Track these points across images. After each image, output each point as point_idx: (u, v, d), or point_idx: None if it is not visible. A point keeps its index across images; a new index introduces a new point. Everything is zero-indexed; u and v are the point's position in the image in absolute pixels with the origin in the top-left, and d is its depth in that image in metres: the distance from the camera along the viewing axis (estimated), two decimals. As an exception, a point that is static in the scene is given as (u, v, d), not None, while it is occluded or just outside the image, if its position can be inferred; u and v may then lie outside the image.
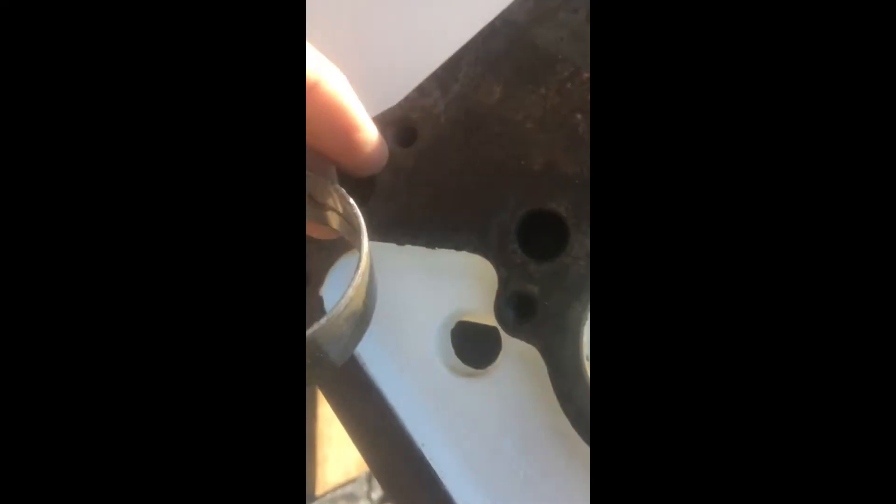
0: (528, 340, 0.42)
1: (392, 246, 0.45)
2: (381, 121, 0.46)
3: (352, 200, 0.39)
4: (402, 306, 0.47)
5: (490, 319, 0.44)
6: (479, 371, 0.47)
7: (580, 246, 0.41)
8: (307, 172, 0.40)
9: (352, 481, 1.68)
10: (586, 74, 0.42)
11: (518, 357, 0.45)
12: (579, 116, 0.42)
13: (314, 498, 1.54)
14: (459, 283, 0.46)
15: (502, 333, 0.44)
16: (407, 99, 0.46)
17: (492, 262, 0.43)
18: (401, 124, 0.46)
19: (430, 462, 0.45)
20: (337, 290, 0.46)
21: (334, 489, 1.62)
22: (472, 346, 0.48)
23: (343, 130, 0.40)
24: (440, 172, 0.45)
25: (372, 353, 0.47)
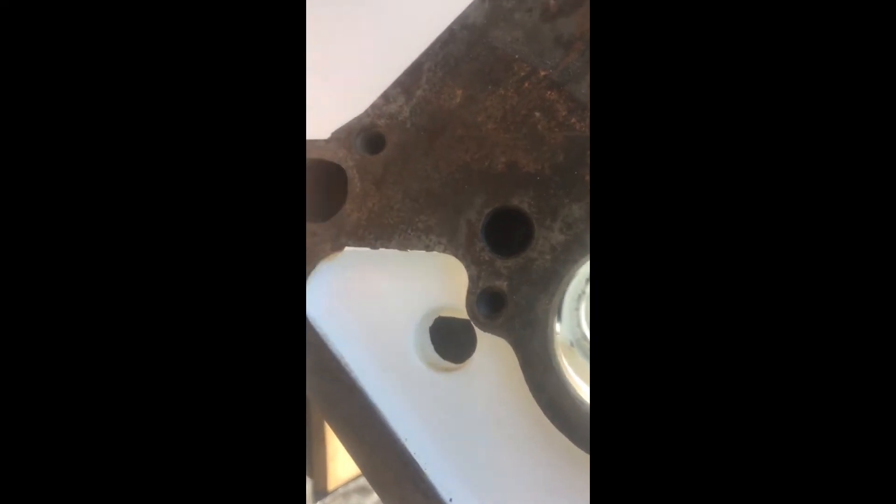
0: (499, 335, 0.43)
1: (366, 250, 0.47)
2: (349, 129, 0.47)
3: None
4: (381, 308, 0.49)
5: (465, 314, 0.45)
6: (458, 365, 0.48)
7: (544, 240, 0.43)
8: None
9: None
10: (543, 72, 0.44)
11: (494, 350, 0.46)
12: (538, 114, 0.44)
13: (326, 493, 1.56)
14: (434, 281, 0.48)
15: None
16: (373, 106, 0.47)
17: (461, 261, 0.44)
18: (368, 132, 0.47)
19: (414, 456, 0.47)
20: (319, 293, 0.48)
21: (346, 483, 1.65)
22: (450, 341, 0.49)
23: None
24: (408, 177, 0.46)
25: (353, 354, 0.48)
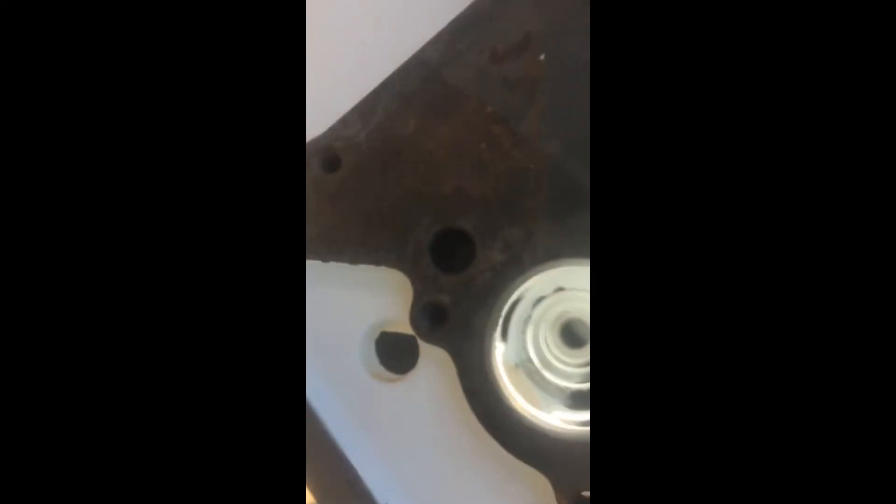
0: (440, 345, 0.46)
1: (318, 263, 0.49)
2: (308, 149, 0.50)
3: None
4: (328, 320, 0.51)
5: (409, 329, 0.48)
6: (401, 376, 0.51)
7: (485, 260, 0.46)
8: None
9: None
10: (489, 108, 0.48)
11: (435, 362, 0.49)
12: (483, 146, 0.48)
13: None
14: (380, 295, 0.51)
15: (420, 341, 0.48)
16: (331, 129, 0.50)
17: (407, 276, 0.47)
18: (326, 152, 0.50)
19: (356, 466, 0.48)
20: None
21: None
22: (394, 353, 0.52)
23: None
24: (362, 196, 0.49)
25: (300, 364, 0.50)
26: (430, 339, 0.46)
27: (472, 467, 0.46)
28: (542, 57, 0.48)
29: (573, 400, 0.72)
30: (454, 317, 0.46)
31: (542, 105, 0.47)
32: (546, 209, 0.46)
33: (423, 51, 0.50)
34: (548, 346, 0.85)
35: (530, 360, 0.74)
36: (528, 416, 0.45)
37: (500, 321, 0.63)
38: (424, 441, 0.47)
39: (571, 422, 0.60)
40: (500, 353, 0.63)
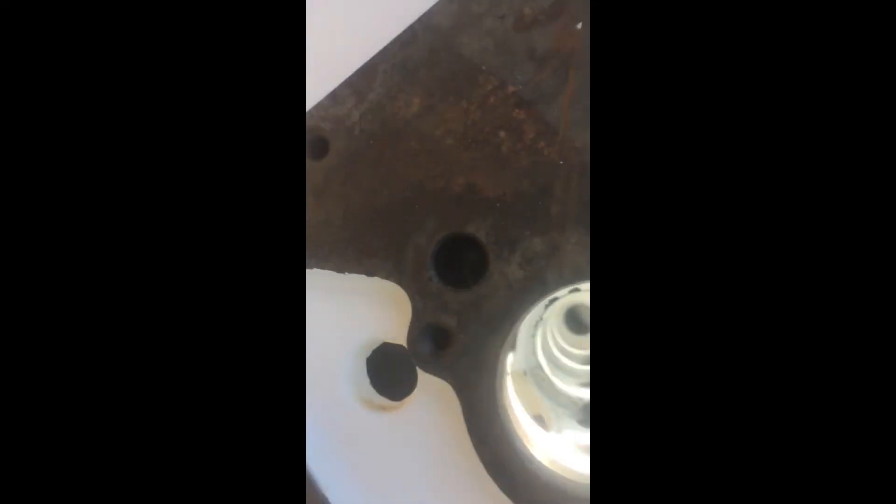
0: (441, 376, 0.39)
1: (299, 269, 0.41)
2: (290, 130, 0.41)
3: None
4: (311, 334, 0.43)
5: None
6: (395, 404, 0.43)
7: (500, 275, 0.38)
8: None
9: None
10: (512, 88, 0.39)
11: (435, 391, 0.42)
12: (502, 134, 0.39)
13: None
14: (374, 309, 0.43)
15: (418, 366, 0.41)
16: (318, 107, 0.42)
17: (406, 290, 0.39)
18: (311, 134, 0.42)
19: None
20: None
21: None
22: (389, 375, 0.44)
23: None
24: (352, 190, 0.41)
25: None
26: (430, 368, 0.39)
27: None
28: (580, 26, 0.39)
29: (585, 414, 0.66)
30: (460, 343, 0.38)
31: (576, 86, 0.38)
32: (576, 217, 0.37)
33: (431, 13, 0.41)
34: (554, 337, 0.79)
35: (539, 367, 0.67)
36: (546, 467, 0.38)
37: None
38: (417, 485, 0.40)
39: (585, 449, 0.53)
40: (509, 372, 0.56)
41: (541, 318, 0.66)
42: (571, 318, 0.83)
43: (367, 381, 0.44)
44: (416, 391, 0.42)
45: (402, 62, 0.41)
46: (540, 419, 0.64)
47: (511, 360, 0.58)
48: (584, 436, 0.59)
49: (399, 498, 0.41)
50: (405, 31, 0.41)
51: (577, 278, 0.37)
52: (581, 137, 0.38)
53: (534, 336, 0.65)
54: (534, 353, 0.65)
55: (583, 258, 0.37)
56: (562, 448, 0.50)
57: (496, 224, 0.38)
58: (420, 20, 0.41)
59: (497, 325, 0.38)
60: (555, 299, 0.67)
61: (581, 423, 0.62)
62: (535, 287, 0.38)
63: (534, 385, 0.64)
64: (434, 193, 0.39)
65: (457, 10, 0.40)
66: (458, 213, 0.39)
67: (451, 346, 0.38)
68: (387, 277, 0.40)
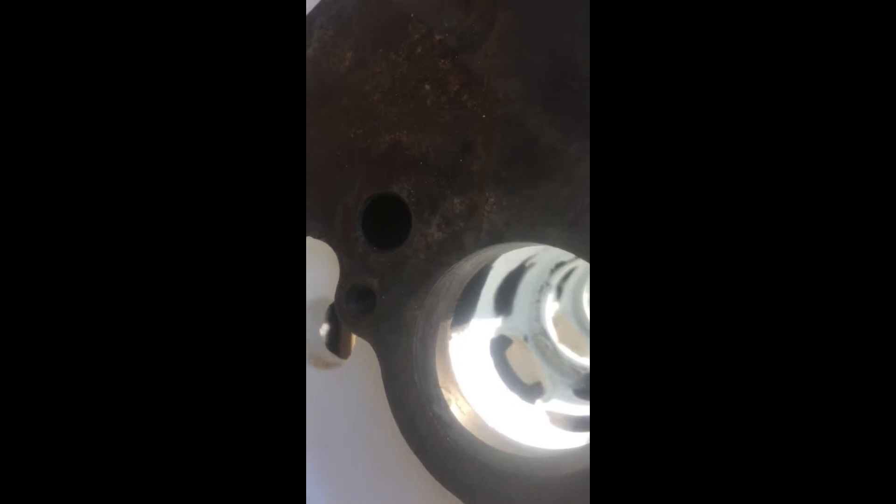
0: (365, 337, 0.38)
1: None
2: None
3: None
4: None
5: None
6: (342, 361, 0.44)
7: (420, 236, 0.37)
8: None
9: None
10: (438, 36, 0.37)
11: (370, 350, 0.41)
12: (427, 87, 0.37)
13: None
14: (321, 265, 0.43)
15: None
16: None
17: (335, 250, 0.39)
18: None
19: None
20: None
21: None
22: (336, 333, 0.45)
23: None
24: (291, 149, 0.41)
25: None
26: (355, 329, 0.38)
27: (394, 478, 0.39)
28: (509, -39, 0.35)
29: (585, 384, 0.62)
30: (382, 305, 0.37)
31: (502, 29, 0.35)
32: (495, 175, 0.35)
33: (364, -41, 0.39)
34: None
35: (544, 333, 0.65)
36: (467, 432, 0.37)
37: (494, 295, 0.54)
38: (352, 438, 0.41)
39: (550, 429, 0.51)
40: (490, 332, 0.54)
41: (546, 283, 0.63)
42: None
43: (318, 339, 0.45)
44: (354, 350, 0.42)
45: (337, 14, 0.39)
46: (539, 386, 0.62)
47: (499, 327, 0.57)
48: (573, 407, 0.56)
49: (328, 455, 0.42)
50: (339, -18, 0.39)
51: (494, 241, 0.35)
52: (504, 87, 0.35)
53: (538, 301, 0.63)
54: (538, 318, 0.63)
55: (500, 219, 0.34)
56: (527, 419, 0.49)
57: (419, 183, 0.37)
58: (354, -32, 0.39)
59: (416, 288, 0.37)
60: (561, 264, 0.63)
61: (577, 393, 0.59)
62: (453, 249, 0.36)
63: (536, 352, 0.62)
64: (361, 152, 0.38)
65: (389, -46, 0.38)
66: (384, 173, 0.38)
67: (374, 307, 0.38)
68: (319, 237, 0.40)
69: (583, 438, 0.44)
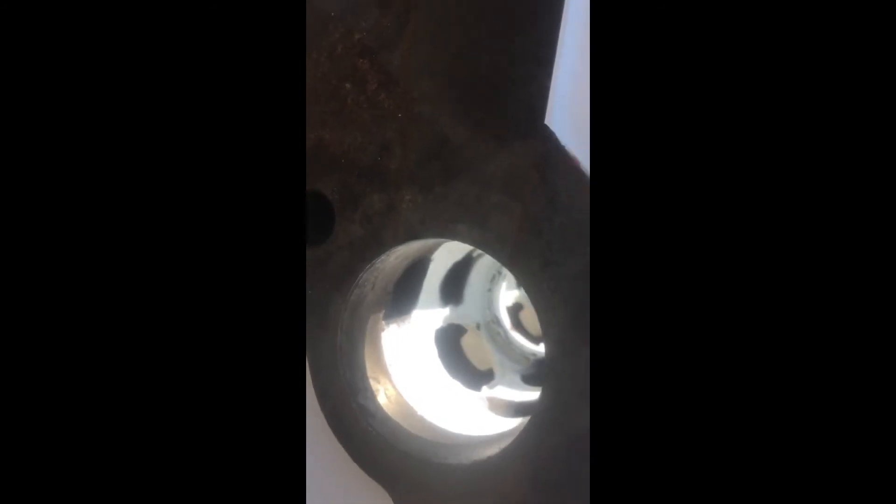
0: (293, 331, 0.39)
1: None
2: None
3: None
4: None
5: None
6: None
7: (344, 233, 0.38)
8: None
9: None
10: (357, 35, 0.37)
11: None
12: (348, 86, 0.37)
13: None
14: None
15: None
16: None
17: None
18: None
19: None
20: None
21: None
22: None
23: None
24: (223, 147, 0.42)
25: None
26: (285, 323, 0.40)
27: (326, 467, 0.41)
28: (422, -41, 0.35)
29: (535, 368, 0.64)
30: (310, 299, 0.39)
31: (416, 28, 0.36)
32: (411, 174, 0.35)
33: (287, -42, 0.39)
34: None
35: (496, 321, 0.66)
36: (392, 421, 0.38)
37: (440, 285, 0.55)
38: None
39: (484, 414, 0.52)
40: (437, 322, 0.55)
41: (498, 272, 0.64)
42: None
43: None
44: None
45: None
46: (491, 373, 0.63)
47: (447, 316, 0.58)
48: (516, 394, 0.58)
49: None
50: (267, -20, 0.40)
51: (410, 237, 0.36)
52: (419, 87, 0.35)
53: (490, 290, 0.64)
54: (489, 307, 0.64)
55: (416, 217, 0.35)
56: (463, 406, 0.50)
57: (341, 181, 0.38)
58: (278, -33, 0.39)
59: (340, 284, 0.38)
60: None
61: (525, 379, 0.60)
62: (373, 245, 0.37)
63: (488, 339, 0.63)
64: (289, 150, 0.39)
65: (312, -48, 0.38)
66: (309, 170, 0.39)
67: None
68: (250, 233, 0.41)
69: (513, 423, 0.45)
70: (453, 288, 0.58)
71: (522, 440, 0.33)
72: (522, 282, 0.34)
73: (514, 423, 0.48)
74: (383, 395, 0.39)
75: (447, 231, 0.35)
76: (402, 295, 0.47)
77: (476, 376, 0.60)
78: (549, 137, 0.32)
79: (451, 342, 0.59)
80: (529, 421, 0.34)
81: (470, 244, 0.34)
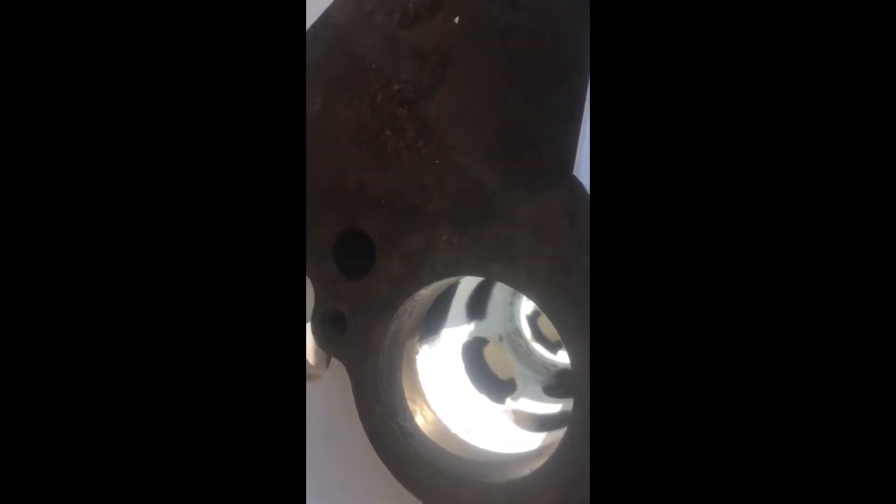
0: (337, 356, 0.43)
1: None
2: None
3: None
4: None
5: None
6: (317, 373, 0.49)
7: (384, 269, 0.41)
8: None
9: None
10: (396, 86, 0.40)
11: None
12: (388, 133, 0.41)
13: None
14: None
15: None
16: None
17: (309, 277, 0.43)
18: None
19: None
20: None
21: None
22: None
23: None
24: (269, 184, 0.45)
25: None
26: (328, 348, 0.43)
27: (367, 486, 0.44)
28: (457, 20, 0.38)
29: (557, 379, 0.67)
30: (352, 328, 0.42)
31: (451, 82, 0.39)
32: (448, 215, 0.39)
33: (329, 11, 0.42)
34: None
35: (517, 332, 0.69)
36: (429, 441, 0.41)
37: (468, 300, 0.58)
38: (327, 448, 0.46)
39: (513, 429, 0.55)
40: (463, 337, 0.59)
41: (520, 286, 0.67)
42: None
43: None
44: (332, 363, 0.47)
45: (308, 60, 0.43)
46: (512, 382, 0.66)
47: (472, 329, 0.61)
48: (539, 406, 0.61)
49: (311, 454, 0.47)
50: (310, 29, 0.43)
51: (446, 274, 0.39)
52: (454, 136, 0.38)
53: (511, 304, 0.67)
54: (511, 319, 0.67)
55: (452, 255, 0.39)
56: (491, 421, 0.53)
57: (381, 220, 0.41)
58: (320, 19, 0.42)
59: (381, 315, 0.41)
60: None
61: (546, 391, 0.63)
62: (412, 281, 0.40)
63: (510, 350, 0.66)
64: (333, 189, 0.42)
65: (351, 9, 0.41)
66: (352, 209, 0.42)
67: (346, 330, 0.42)
68: (296, 265, 0.44)
69: (540, 438, 0.49)
70: (478, 304, 0.61)
71: (557, 460, 0.36)
72: (551, 317, 0.37)
73: (540, 437, 0.51)
74: (420, 416, 0.43)
75: (481, 269, 0.38)
76: (433, 316, 0.50)
77: (499, 386, 0.63)
78: (576, 188, 0.35)
79: (475, 354, 0.62)
80: (562, 441, 0.37)
81: (503, 283, 0.37)
